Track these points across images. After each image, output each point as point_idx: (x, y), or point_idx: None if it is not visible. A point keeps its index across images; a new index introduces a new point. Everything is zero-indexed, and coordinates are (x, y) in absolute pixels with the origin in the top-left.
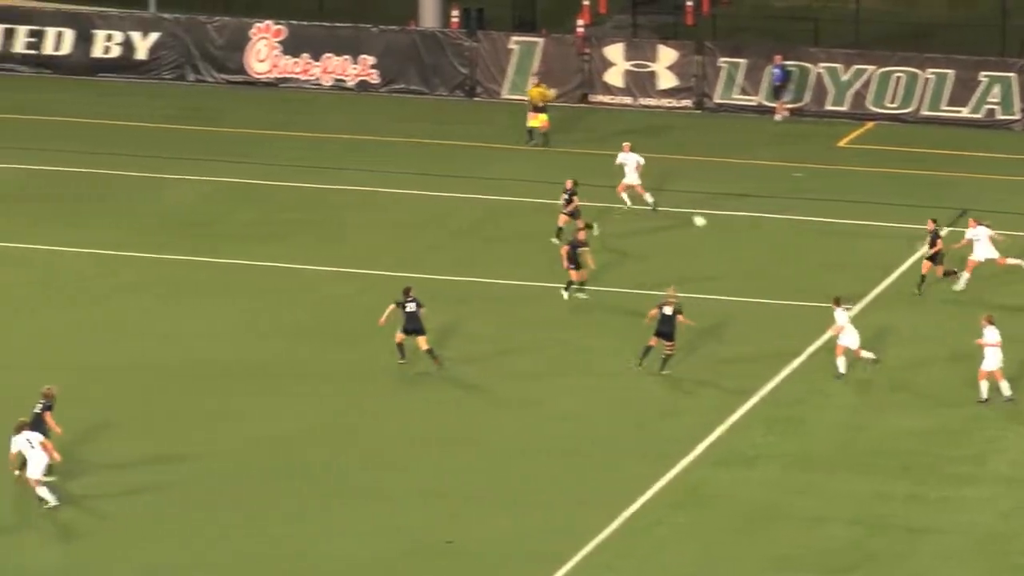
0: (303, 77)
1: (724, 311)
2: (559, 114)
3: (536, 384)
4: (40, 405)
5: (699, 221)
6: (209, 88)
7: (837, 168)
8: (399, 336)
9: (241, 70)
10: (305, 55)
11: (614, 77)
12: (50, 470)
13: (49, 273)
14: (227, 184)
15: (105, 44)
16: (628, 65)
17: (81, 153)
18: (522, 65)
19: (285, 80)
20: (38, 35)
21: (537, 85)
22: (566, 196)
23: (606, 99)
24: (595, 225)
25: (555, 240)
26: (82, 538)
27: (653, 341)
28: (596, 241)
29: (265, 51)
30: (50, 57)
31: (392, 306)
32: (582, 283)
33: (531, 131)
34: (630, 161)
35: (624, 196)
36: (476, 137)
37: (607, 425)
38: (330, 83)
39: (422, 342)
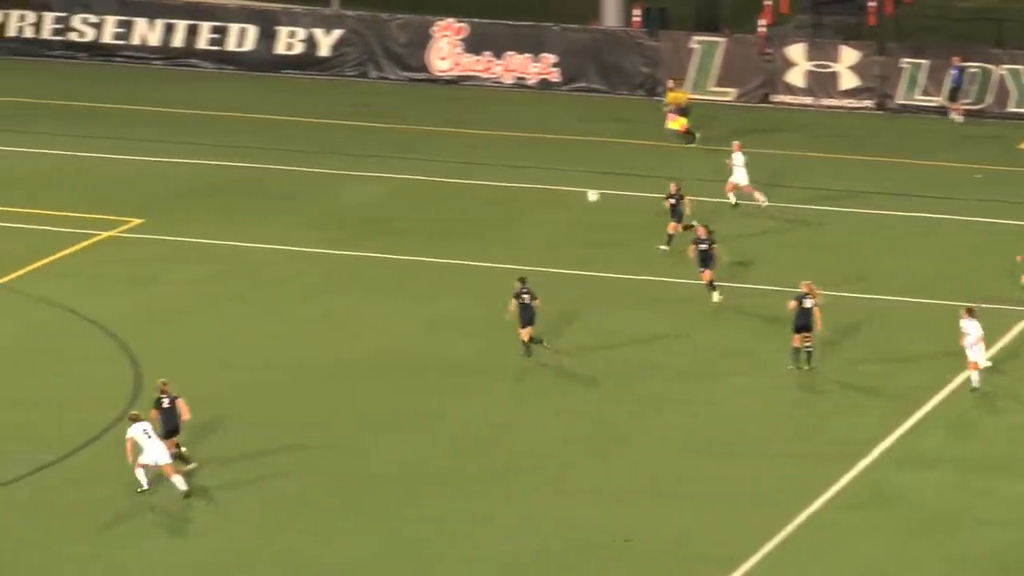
0: (484, 75)
1: (897, 312)
2: (740, 114)
3: (705, 383)
4: (167, 399)
5: (592, 196)
6: (391, 85)
7: (1018, 170)
8: (522, 331)
9: (423, 68)
10: (487, 53)
11: (795, 77)
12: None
13: (233, 269)
14: (408, 181)
15: (288, 41)
16: (810, 65)
17: (264, 150)
18: (703, 65)
19: (466, 78)
20: (221, 31)
21: (672, 89)
22: (672, 201)
23: (787, 99)
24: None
25: (663, 248)
26: (252, 525)
27: (796, 341)
28: (760, 239)
29: (447, 49)
30: (233, 53)
31: (513, 300)
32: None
33: (689, 133)
34: (738, 161)
35: (731, 195)
36: (657, 136)
37: (781, 424)
38: (511, 81)
39: (525, 333)
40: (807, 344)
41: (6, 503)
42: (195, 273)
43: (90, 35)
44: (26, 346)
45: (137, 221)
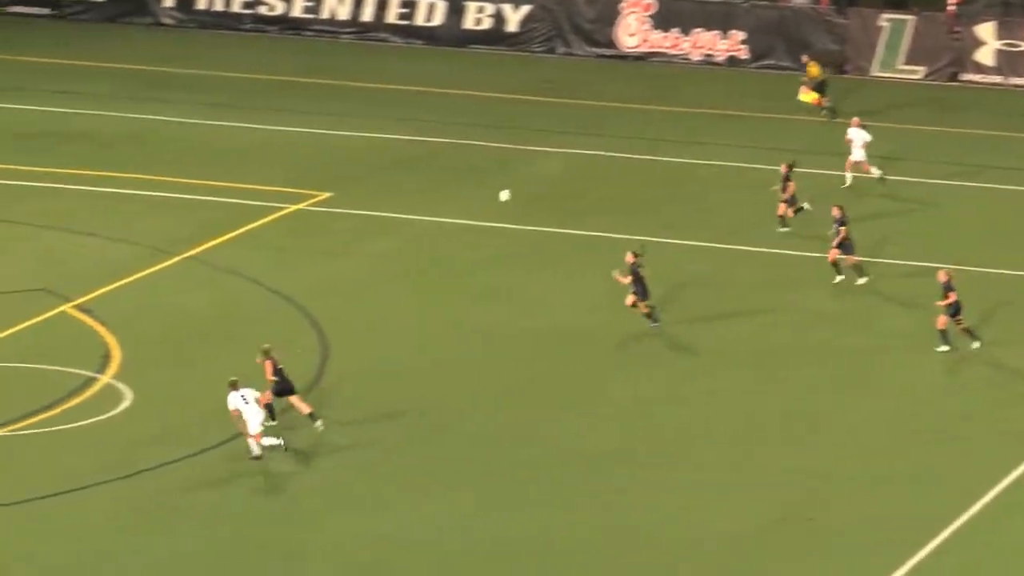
0: (672, 51)
1: None
2: (929, 93)
3: (881, 362)
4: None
5: (503, 196)
6: (578, 61)
7: None
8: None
9: (611, 44)
10: (675, 30)
11: (985, 56)
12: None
13: (417, 243)
14: (594, 157)
15: (476, 16)
16: (999, 44)
17: (451, 124)
18: (892, 42)
19: (654, 54)
20: (410, 6)
21: (808, 63)
22: (782, 182)
23: (976, 78)
24: (807, 204)
25: (783, 229)
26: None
27: (943, 323)
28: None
29: (635, 25)
30: (421, 28)
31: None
32: (836, 264)
33: (827, 107)
34: (857, 138)
35: (848, 175)
36: (844, 114)
37: (961, 404)
38: (699, 58)
39: (639, 303)
40: (961, 325)
41: (203, 473)
42: (380, 247)
43: (280, 8)
44: (216, 318)
45: (325, 195)
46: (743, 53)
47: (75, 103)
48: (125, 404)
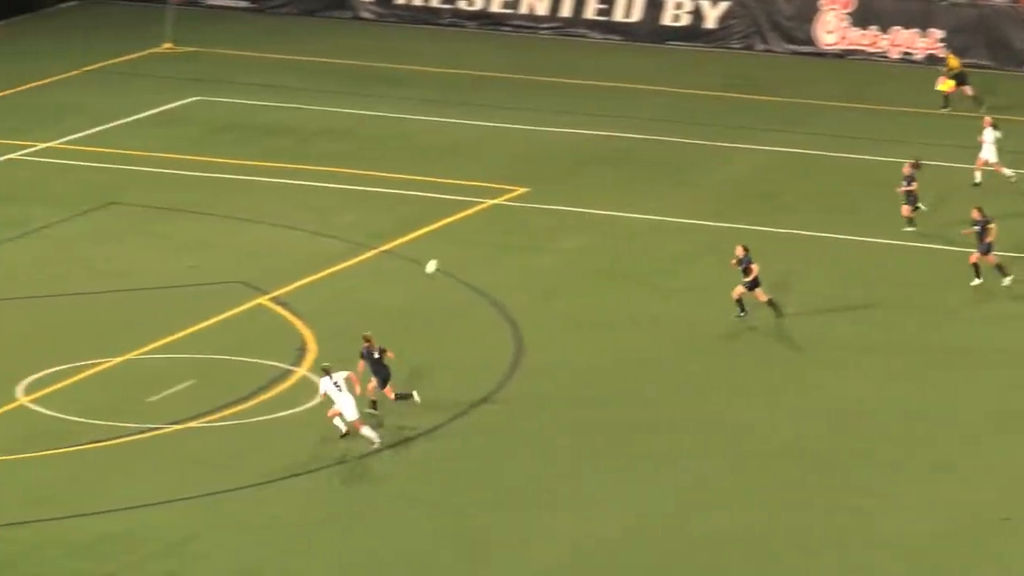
0: (870, 49)
1: None
2: None
3: None
4: (377, 351)
5: (430, 268)
6: (776, 59)
7: None
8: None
9: (809, 41)
10: (873, 27)
11: None
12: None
13: (612, 239)
14: (791, 155)
15: (674, 12)
16: None
17: (647, 120)
18: None
19: (852, 52)
20: (608, 2)
21: (948, 55)
22: (905, 182)
23: None
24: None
25: (909, 229)
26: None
27: None
28: None
29: (834, 22)
30: (619, 23)
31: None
32: (1000, 267)
33: (946, 97)
34: (988, 137)
35: (978, 173)
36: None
37: None
38: (897, 56)
39: (759, 294)
40: None
41: (395, 466)
42: (576, 242)
43: (479, 3)
44: (410, 312)
45: (522, 190)
46: (942, 52)
47: (274, 97)
48: (320, 398)
